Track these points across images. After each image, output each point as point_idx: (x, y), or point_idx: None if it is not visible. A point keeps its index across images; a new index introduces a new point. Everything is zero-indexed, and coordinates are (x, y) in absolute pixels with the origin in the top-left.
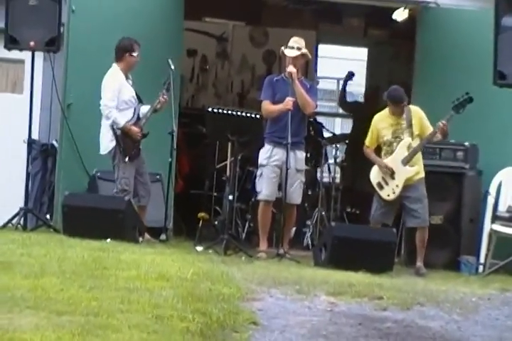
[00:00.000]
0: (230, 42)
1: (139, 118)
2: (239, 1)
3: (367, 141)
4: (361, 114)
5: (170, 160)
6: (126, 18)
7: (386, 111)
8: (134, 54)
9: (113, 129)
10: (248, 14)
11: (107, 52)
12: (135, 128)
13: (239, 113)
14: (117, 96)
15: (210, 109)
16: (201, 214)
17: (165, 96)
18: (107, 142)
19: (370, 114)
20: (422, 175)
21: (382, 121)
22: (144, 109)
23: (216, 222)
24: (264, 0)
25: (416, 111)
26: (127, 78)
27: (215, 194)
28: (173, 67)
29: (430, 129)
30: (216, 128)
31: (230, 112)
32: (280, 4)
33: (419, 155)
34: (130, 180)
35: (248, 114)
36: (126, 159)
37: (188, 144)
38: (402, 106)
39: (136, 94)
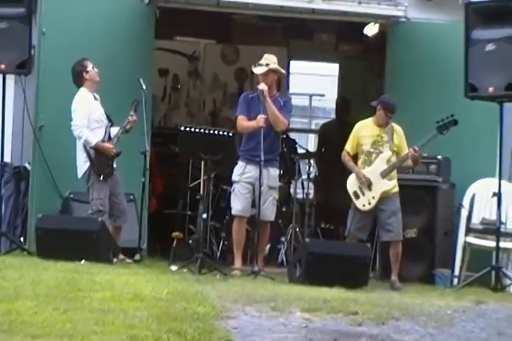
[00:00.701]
0: (202, 61)
1: (110, 138)
2: (209, 19)
3: (347, 147)
4: (330, 131)
5: (143, 180)
6: (96, 38)
7: (370, 120)
8: (89, 68)
9: (85, 148)
10: (219, 32)
11: None
12: (107, 145)
13: (211, 131)
14: (88, 116)
15: (182, 128)
16: (175, 234)
17: (134, 117)
18: (81, 164)
19: (340, 129)
20: (397, 189)
21: (364, 129)
22: (114, 130)
23: (190, 241)
24: (234, 18)
25: (398, 130)
26: (95, 99)
27: (189, 213)
28: (144, 86)
29: (406, 151)
30: (189, 147)
31: (202, 131)
32: (250, 21)
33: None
34: (105, 200)
35: (221, 132)
36: (101, 178)
37: (161, 164)
38: (391, 116)
39: (106, 114)
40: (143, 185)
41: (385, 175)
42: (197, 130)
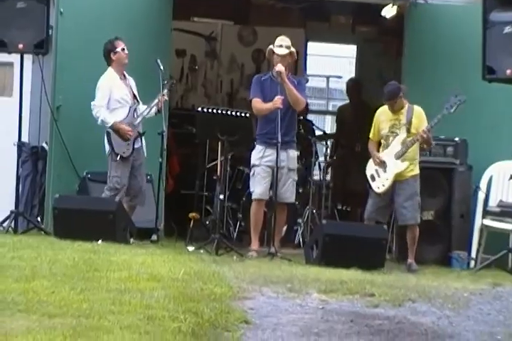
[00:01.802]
0: (219, 42)
1: (134, 117)
2: (227, 0)
3: (370, 134)
4: (345, 114)
5: (160, 160)
6: (114, 19)
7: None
8: (118, 49)
9: (105, 128)
10: (236, 13)
11: (95, 53)
12: (125, 127)
13: (228, 112)
14: (108, 95)
15: (199, 109)
16: (192, 214)
17: (165, 97)
18: (106, 142)
19: (354, 111)
20: (416, 172)
21: (382, 114)
22: (142, 108)
23: (207, 222)
24: None
25: (418, 112)
26: (123, 78)
27: (206, 194)
28: (162, 67)
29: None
30: (206, 128)
31: (219, 112)
32: (268, 3)
33: (417, 152)
34: (122, 179)
35: (238, 114)
36: (118, 158)
37: (178, 144)
38: (393, 102)
39: (134, 94)
40: (160, 166)
41: (398, 156)
42: (214, 111)
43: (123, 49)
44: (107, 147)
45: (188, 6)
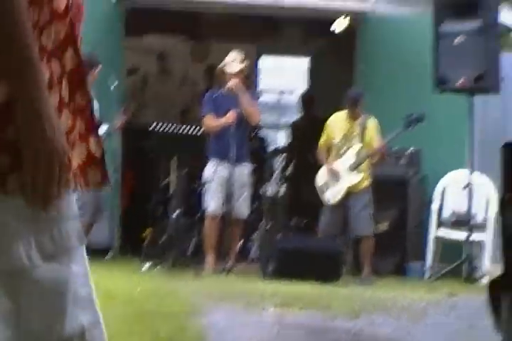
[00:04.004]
0: (171, 59)
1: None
2: (178, 17)
3: (321, 140)
4: (299, 128)
5: (115, 177)
6: None
7: (342, 113)
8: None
9: None
10: (188, 30)
11: None
12: None
13: (181, 129)
14: None
15: (152, 127)
16: (147, 231)
17: (124, 115)
18: None
19: (308, 125)
20: (367, 183)
21: (335, 123)
22: (104, 127)
23: (162, 239)
24: (203, 15)
25: (372, 123)
26: None
27: (161, 210)
28: (113, 86)
29: (377, 145)
30: (159, 145)
31: (172, 129)
32: (220, 18)
33: (369, 163)
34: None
35: (190, 130)
36: None
37: (132, 162)
38: (356, 110)
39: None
40: (114, 183)
41: (353, 168)
42: (166, 128)
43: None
44: None
45: (139, 23)
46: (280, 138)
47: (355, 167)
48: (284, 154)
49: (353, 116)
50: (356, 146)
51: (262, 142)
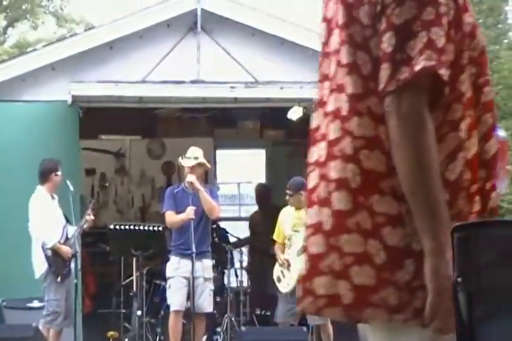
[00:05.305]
0: (128, 157)
1: (67, 238)
2: (133, 115)
3: (274, 235)
4: (256, 220)
5: (75, 281)
6: (21, 142)
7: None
8: (59, 173)
9: (43, 250)
10: (143, 128)
11: (6, 174)
12: (65, 247)
13: (140, 227)
14: (44, 215)
15: (111, 227)
16: (111, 333)
17: (91, 216)
18: (39, 264)
19: (264, 217)
20: None
21: (284, 216)
22: (71, 229)
23: (126, 339)
24: (158, 112)
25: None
26: (53, 198)
27: (124, 310)
28: (72, 188)
29: None
30: (119, 245)
31: (131, 227)
32: (174, 115)
33: None
34: (61, 301)
35: (150, 228)
36: (58, 279)
37: (93, 263)
38: (299, 195)
39: (64, 214)
40: (76, 287)
41: (299, 253)
42: (126, 227)
43: (61, 173)
44: (43, 269)
45: (94, 124)
46: (241, 228)
47: (301, 253)
48: (245, 246)
49: (295, 204)
50: (303, 233)
51: (224, 232)
